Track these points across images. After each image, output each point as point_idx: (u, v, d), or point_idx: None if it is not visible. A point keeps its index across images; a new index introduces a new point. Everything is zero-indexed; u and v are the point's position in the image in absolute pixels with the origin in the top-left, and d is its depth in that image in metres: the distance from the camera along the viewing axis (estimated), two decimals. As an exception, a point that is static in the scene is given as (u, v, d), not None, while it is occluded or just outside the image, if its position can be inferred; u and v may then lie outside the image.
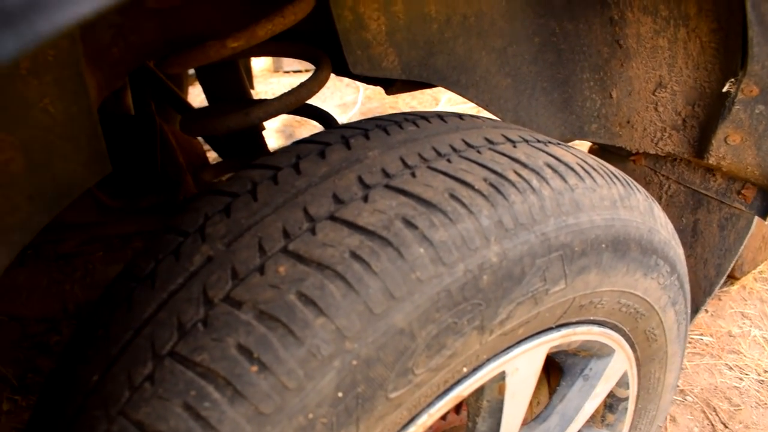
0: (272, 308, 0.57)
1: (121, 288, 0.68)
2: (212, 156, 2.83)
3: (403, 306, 0.59)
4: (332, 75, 1.19)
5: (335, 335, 0.56)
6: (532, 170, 0.72)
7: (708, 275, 1.36)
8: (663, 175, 1.37)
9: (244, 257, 0.62)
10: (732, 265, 1.32)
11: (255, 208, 0.68)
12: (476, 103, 1.27)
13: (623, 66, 1.22)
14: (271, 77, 4.53)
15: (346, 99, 4.17)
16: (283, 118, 3.61)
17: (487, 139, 0.78)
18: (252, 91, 2.48)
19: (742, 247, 1.29)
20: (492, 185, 0.68)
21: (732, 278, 2.24)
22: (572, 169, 0.77)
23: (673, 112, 1.22)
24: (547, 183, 0.72)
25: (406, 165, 0.70)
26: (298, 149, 0.77)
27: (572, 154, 0.82)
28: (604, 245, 0.76)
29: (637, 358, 1.03)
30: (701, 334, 2.02)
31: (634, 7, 1.13)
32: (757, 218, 2.19)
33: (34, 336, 2.30)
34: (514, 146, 0.77)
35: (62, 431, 0.62)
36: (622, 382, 1.04)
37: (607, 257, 0.78)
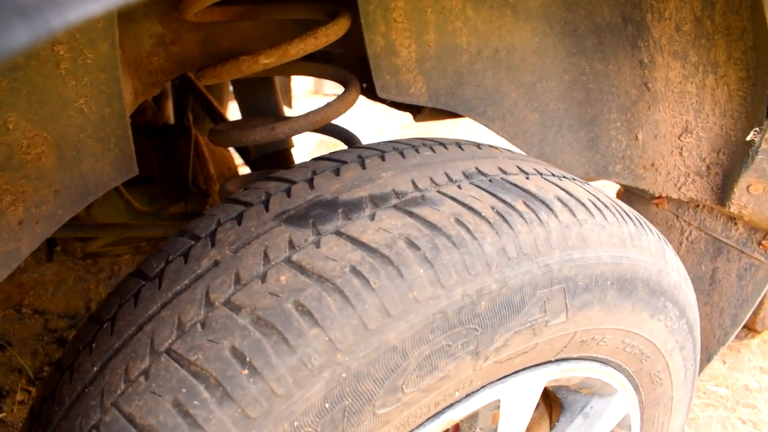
0: (269, 315, 0.58)
1: (131, 285, 0.71)
2: (246, 171, 2.88)
3: (398, 324, 0.60)
4: (371, 101, 1.22)
5: (327, 347, 0.58)
6: (542, 202, 0.73)
7: (723, 324, 1.34)
8: (685, 221, 1.36)
9: (248, 264, 0.64)
10: (748, 316, 1.30)
11: (266, 218, 0.70)
12: (501, 136, 1.28)
13: (650, 109, 1.23)
14: (311, 98, 4.61)
15: (382, 126, 4.22)
16: (319, 138, 3.66)
17: (500, 169, 0.79)
18: (290, 111, 2.53)
19: (760, 298, 1.27)
20: (499, 213, 0.69)
21: (753, 331, 2.19)
22: (583, 204, 0.77)
23: (697, 158, 1.21)
24: (556, 216, 0.73)
25: (416, 188, 0.71)
26: (315, 165, 0.79)
27: (585, 189, 0.82)
28: (609, 282, 0.77)
29: (640, 401, 1.02)
30: (717, 385, 1.98)
31: (664, 51, 1.14)
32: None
33: (55, 331, 2.36)
34: (527, 178, 0.78)
35: (60, 417, 0.64)
36: (624, 424, 1.03)
37: (612, 294, 0.78)
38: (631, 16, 1.14)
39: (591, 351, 0.84)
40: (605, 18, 1.18)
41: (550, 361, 0.80)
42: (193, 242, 0.70)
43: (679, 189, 1.28)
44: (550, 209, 0.73)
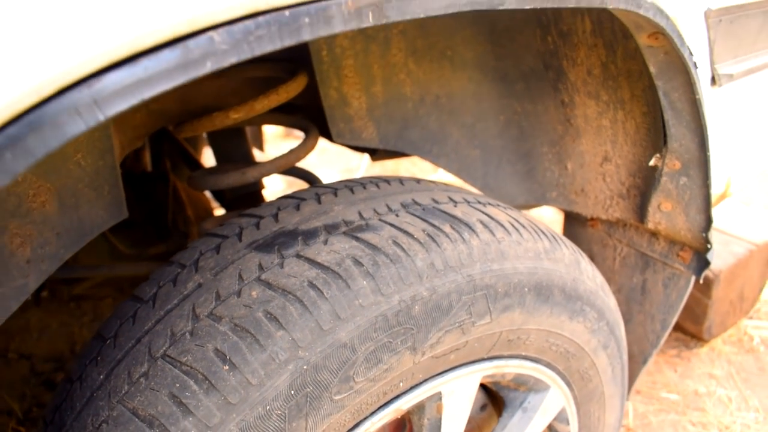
0: (244, 322, 0.73)
1: (128, 307, 0.85)
2: (222, 212, 3.01)
3: (347, 325, 0.75)
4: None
5: (291, 345, 0.72)
6: (466, 224, 0.89)
7: (655, 329, 1.50)
8: (616, 239, 1.53)
9: (226, 284, 0.79)
10: (675, 320, 1.46)
11: (239, 247, 0.85)
12: (448, 171, 1.46)
13: (575, 142, 1.41)
14: (282, 141, 4.79)
15: (351, 164, 4.40)
16: (288, 180, 3.81)
17: (433, 199, 0.95)
18: (263, 154, 2.69)
19: (683, 303, 1.44)
20: (429, 235, 0.85)
21: (701, 341, 2.36)
22: (502, 225, 0.93)
23: (618, 183, 1.39)
24: (477, 235, 0.89)
25: (362, 217, 0.87)
26: (279, 203, 0.95)
27: (506, 213, 0.99)
28: (527, 289, 0.93)
29: (575, 397, 1.17)
30: (669, 392, 2.14)
31: (580, 92, 1.32)
32: (722, 284, 2.33)
33: (41, 374, 2.45)
34: (455, 205, 0.95)
35: (72, 419, 0.78)
36: (562, 418, 1.18)
37: (531, 299, 0.94)
38: (551, 63, 1.33)
39: (519, 349, 0.99)
40: (529, 65, 1.36)
41: (483, 359, 0.95)
42: (180, 269, 0.85)
43: (607, 210, 1.45)
44: (472, 230, 0.89)
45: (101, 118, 0.46)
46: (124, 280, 2.35)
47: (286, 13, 0.48)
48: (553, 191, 1.52)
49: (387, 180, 1.01)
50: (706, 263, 1.33)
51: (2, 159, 0.44)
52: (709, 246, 1.30)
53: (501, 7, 0.64)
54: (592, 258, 1.61)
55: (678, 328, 2.44)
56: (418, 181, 1.04)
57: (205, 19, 0.46)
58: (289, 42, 0.49)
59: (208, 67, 0.46)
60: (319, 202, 0.92)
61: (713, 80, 1.15)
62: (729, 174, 1.41)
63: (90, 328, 2.76)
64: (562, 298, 0.99)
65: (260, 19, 0.48)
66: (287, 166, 1.19)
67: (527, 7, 0.68)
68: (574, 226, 1.65)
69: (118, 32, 0.45)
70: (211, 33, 0.46)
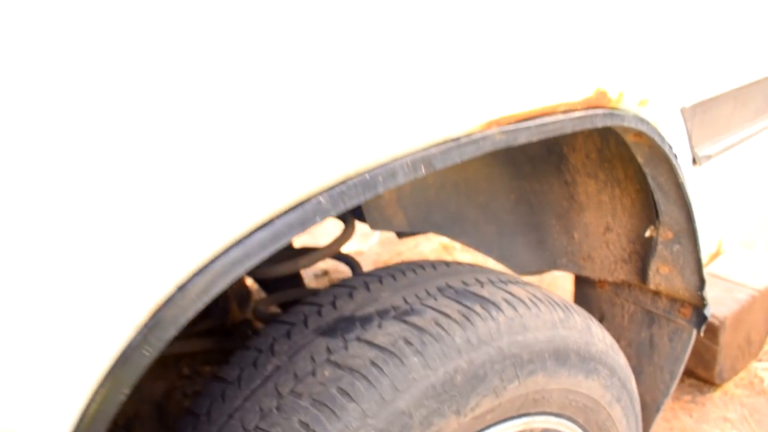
0: (321, 397, 0.90)
1: (216, 387, 1.02)
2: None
3: (404, 395, 0.92)
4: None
5: (361, 414, 0.89)
6: (493, 303, 1.07)
7: (665, 380, 1.65)
8: (623, 298, 1.70)
9: (301, 365, 0.96)
10: (682, 369, 1.62)
11: (307, 333, 1.03)
12: (467, 246, 1.64)
13: (579, 215, 1.59)
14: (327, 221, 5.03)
15: (366, 229, 4.62)
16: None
17: (463, 282, 1.13)
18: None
19: (688, 354, 1.60)
20: (463, 315, 1.02)
21: (714, 385, 2.49)
22: (522, 301, 1.11)
23: (620, 249, 1.57)
24: (503, 312, 1.06)
25: (406, 302, 1.05)
26: (334, 291, 1.13)
27: (525, 290, 1.16)
28: (547, 355, 1.09)
29: (595, 446, 1.32)
30: (686, 437, 2.26)
31: (580, 172, 1.52)
32: (729, 330, 2.47)
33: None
34: (482, 286, 1.12)
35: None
36: (586, 466, 1.33)
37: (551, 363, 1.10)
38: (554, 148, 1.52)
39: (544, 407, 1.15)
40: (535, 151, 1.56)
41: (514, 416, 1.11)
42: (258, 354, 1.03)
43: (612, 274, 1.62)
44: (499, 308, 1.06)
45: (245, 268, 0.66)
46: (170, 357, 2.50)
47: (367, 176, 0.68)
48: (563, 258, 1.70)
49: (422, 265, 1.19)
50: (704, 318, 1.49)
51: None
52: (705, 302, 1.46)
53: (515, 144, 0.83)
54: (602, 316, 1.77)
55: (691, 374, 2.56)
56: (448, 264, 1.22)
57: (316, 189, 0.65)
58: (368, 196, 0.69)
59: (316, 220, 0.66)
60: (369, 290, 1.10)
61: (694, 161, 1.34)
62: (720, 235, 1.59)
63: (132, 400, 2.90)
64: (578, 360, 1.16)
65: (350, 182, 0.67)
66: (333, 253, 1.37)
67: (535, 140, 0.87)
68: (585, 287, 1.82)
69: (262, 208, 0.65)
70: (319, 197, 0.65)
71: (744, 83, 1.41)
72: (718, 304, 2.46)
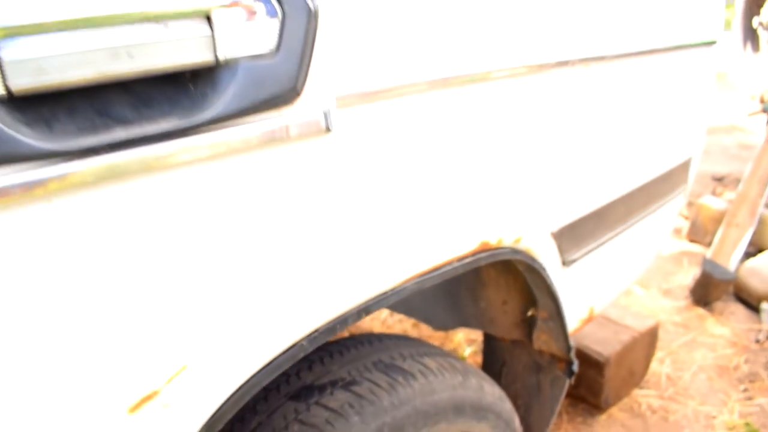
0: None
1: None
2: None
3: (348, 444, 1.38)
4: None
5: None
6: (410, 374, 1.53)
7: (546, 414, 2.16)
8: (519, 351, 2.20)
9: (277, 423, 1.40)
10: (559, 407, 2.13)
11: (279, 397, 1.47)
12: (399, 313, 2.11)
13: (484, 290, 2.08)
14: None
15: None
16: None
17: (391, 357, 1.59)
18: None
19: (563, 396, 2.11)
20: (390, 384, 1.48)
21: (600, 409, 3.03)
22: (432, 371, 1.58)
23: (514, 318, 2.05)
24: (417, 380, 1.53)
25: (350, 374, 1.50)
26: (299, 365, 1.57)
27: (435, 360, 1.63)
28: (449, 409, 1.56)
29: (487, 470, 1.80)
30: (573, 456, 2.79)
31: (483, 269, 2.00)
32: (613, 366, 3.00)
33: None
34: (404, 360, 1.59)
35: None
36: (479, 484, 1.81)
37: (452, 415, 1.57)
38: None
39: (447, 444, 1.62)
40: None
41: (425, 452, 1.58)
42: (243, 413, 1.46)
43: (509, 334, 2.10)
44: (414, 377, 1.53)
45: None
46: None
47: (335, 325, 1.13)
48: (472, 320, 2.19)
49: (362, 341, 1.65)
50: (572, 372, 2.00)
51: None
52: (572, 360, 1.97)
53: (424, 287, 1.30)
54: (504, 362, 2.27)
55: (584, 400, 3.10)
56: (381, 339, 1.68)
57: (301, 335, 1.10)
58: (332, 337, 1.14)
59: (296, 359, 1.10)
60: (323, 364, 1.55)
61: (563, 264, 1.83)
62: (591, 304, 2.11)
63: None
64: (472, 410, 1.63)
65: (317, 334, 1.12)
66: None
67: (438, 282, 1.34)
68: (492, 339, 2.32)
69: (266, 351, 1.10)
70: (302, 342, 1.10)
71: (604, 203, 1.91)
72: (605, 344, 3.00)
